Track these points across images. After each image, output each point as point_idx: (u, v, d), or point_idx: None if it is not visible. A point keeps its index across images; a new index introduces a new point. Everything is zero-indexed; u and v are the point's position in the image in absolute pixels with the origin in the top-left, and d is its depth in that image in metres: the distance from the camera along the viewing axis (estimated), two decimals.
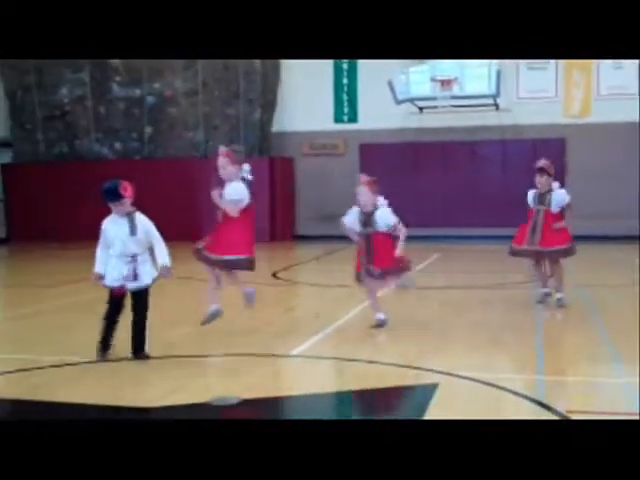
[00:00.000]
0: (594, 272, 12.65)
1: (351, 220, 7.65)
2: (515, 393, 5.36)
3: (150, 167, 19.73)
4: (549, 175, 8.89)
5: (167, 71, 19.92)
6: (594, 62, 18.67)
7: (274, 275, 12.27)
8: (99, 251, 6.52)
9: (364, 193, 7.51)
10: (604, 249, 16.53)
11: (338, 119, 20.41)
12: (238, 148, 7.33)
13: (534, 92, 19.17)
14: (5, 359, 6.79)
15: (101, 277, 6.49)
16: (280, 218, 19.92)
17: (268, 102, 20.25)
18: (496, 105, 19.17)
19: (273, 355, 6.51)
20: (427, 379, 5.81)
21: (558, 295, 8.96)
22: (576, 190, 18.88)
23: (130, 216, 6.45)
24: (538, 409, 5.01)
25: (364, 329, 7.73)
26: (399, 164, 19.55)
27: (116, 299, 6.50)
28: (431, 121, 19.62)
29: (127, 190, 6.40)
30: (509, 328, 7.79)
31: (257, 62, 19.37)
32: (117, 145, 20.60)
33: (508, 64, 18.71)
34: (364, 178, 7.66)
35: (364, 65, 19.62)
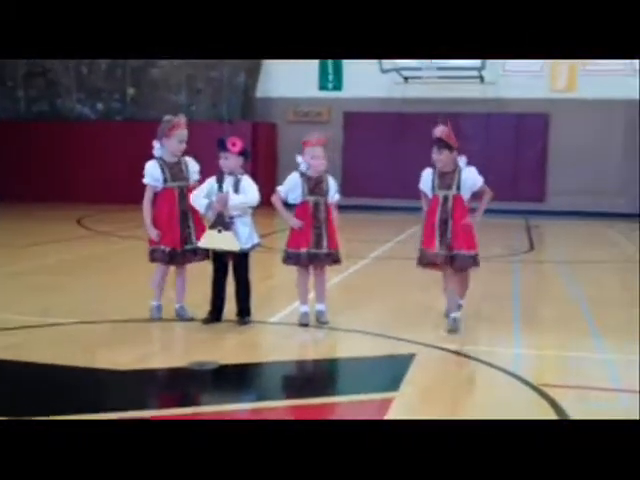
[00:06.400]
0: (575, 248, 12.69)
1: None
2: (491, 365, 5.39)
3: (131, 129, 19.53)
4: (450, 149, 6.34)
5: None
6: None
7: None
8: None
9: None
10: (585, 225, 16.62)
11: (323, 86, 20.27)
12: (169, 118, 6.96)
13: (520, 66, 19.08)
14: None
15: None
16: (261, 184, 19.77)
17: (252, 66, 20.07)
18: (481, 77, 19.11)
19: (252, 322, 6.50)
20: (404, 350, 5.81)
21: (452, 314, 6.39)
22: (558, 166, 19.24)
23: (235, 177, 6.38)
24: (513, 381, 5.03)
25: (343, 299, 7.75)
26: (383, 134, 19.46)
27: (218, 261, 6.44)
28: (416, 91, 19.54)
29: (235, 145, 6.30)
30: (488, 300, 7.82)
31: None
32: (99, 105, 20.37)
33: None
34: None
35: None
